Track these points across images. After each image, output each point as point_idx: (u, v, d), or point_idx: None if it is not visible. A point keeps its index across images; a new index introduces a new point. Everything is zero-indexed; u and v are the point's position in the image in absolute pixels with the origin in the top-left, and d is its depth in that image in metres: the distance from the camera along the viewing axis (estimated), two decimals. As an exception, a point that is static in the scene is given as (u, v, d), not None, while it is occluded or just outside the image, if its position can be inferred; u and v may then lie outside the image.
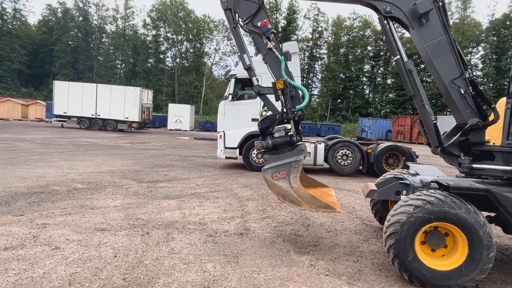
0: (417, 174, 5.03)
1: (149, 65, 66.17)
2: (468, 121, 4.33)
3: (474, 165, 4.30)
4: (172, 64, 67.86)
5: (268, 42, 4.74)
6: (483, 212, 3.80)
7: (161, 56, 68.00)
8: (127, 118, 30.59)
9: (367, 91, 63.23)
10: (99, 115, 30.81)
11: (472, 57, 53.45)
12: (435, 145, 4.56)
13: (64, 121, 31.64)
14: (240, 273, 3.89)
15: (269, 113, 4.89)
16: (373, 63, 61.55)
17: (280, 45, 4.83)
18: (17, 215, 5.61)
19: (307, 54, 62.25)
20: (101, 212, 6.02)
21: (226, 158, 11.98)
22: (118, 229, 5.17)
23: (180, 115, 40.08)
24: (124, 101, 30.50)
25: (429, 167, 5.40)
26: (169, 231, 5.20)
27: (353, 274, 4.00)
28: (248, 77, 5.07)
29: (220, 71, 70.31)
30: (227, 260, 4.23)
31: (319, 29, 62.67)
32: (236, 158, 11.95)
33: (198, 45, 67.50)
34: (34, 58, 64.83)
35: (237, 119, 11.47)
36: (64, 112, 31.10)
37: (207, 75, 63.72)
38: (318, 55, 63.68)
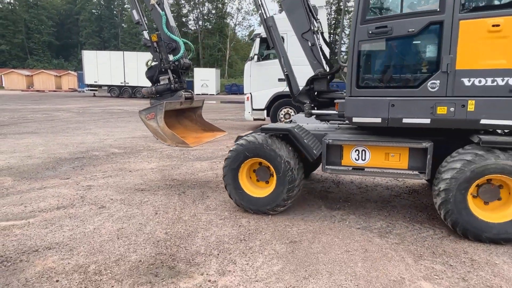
0: (291, 121, 5.48)
1: (172, 29, 65.57)
2: (314, 71, 4.86)
3: (312, 111, 4.88)
4: (195, 27, 66.86)
5: None
6: None
7: (184, 19, 66.96)
8: (155, 84, 31.07)
9: (398, 45, 59.81)
10: (128, 83, 31.45)
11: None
12: (291, 95, 5.15)
13: (96, 90, 32.66)
14: (274, 227, 4.06)
15: (155, 63, 5.59)
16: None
17: None
18: (64, 178, 6.05)
19: (334, 8, 59.06)
20: (139, 174, 6.36)
21: (254, 119, 12.04)
22: (157, 189, 5.47)
23: (206, 79, 40.06)
24: (151, 68, 30.83)
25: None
26: (204, 190, 5.44)
27: (384, 227, 4.08)
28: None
29: (244, 31, 68.64)
30: (260, 215, 4.41)
31: (347, -21, 58.74)
32: (264, 119, 11.98)
33: (220, 6, 65.68)
34: (61, 29, 66.12)
35: (264, 79, 11.34)
36: (95, 81, 32.01)
37: (231, 37, 62.45)
38: (346, 9, 60.23)
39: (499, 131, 3.86)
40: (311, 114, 4.90)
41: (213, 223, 4.17)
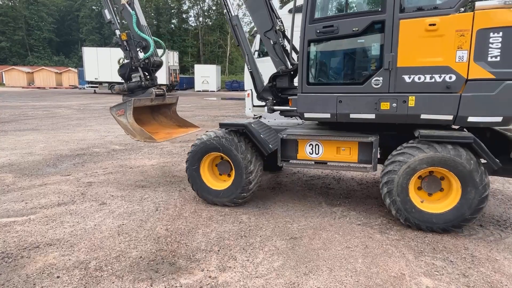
0: (261, 117, 5.77)
1: (172, 26, 65.40)
2: (277, 69, 4.94)
3: (274, 107, 4.98)
4: (195, 24, 66.69)
5: None
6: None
7: (184, 16, 66.80)
8: (156, 81, 30.94)
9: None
10: (128, 80, 31.34)
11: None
12: (255, 92, 5.29)
13: (96, 87, 32.55)
14: (274, 223, 4.06)
15: (127, 61, 5.82)
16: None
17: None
18: (65, 175, 6.05)
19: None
20: (139, 171, 6.36)
21: (255, 116, 12.00)
22: (157, 186, 5.47)
23: (206, 76, 39.95)
24: (151, 64, 30.68)
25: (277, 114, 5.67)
26: (204, 187, 5.44)
27: (385, 224, 4.07)
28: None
29: (245, 27, 67.66)
30: (261, 212, 4.41)
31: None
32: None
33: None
34: (61, 26, 65.90)
35: (264, 76, 11.30)
36: (95, 78, 31.91)
37: (231, 33, 62.28)
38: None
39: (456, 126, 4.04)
40: (273, 110, 5.06)
41: (214, 219, 4.17)
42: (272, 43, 4.96)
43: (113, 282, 2.86)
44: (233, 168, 4.43)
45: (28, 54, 60.11)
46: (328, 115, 4.16)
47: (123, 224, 4.00)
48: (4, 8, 57.94)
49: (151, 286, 2.82)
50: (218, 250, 3.41)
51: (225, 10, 5.34)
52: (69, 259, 3.21)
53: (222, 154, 4.45)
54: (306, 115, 4.32)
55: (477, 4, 3.52)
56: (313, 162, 4.43)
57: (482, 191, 3.56)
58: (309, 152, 4.36)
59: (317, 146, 4.32)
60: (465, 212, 3.62)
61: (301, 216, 4.28)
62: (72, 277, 2.93)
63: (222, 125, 4.56)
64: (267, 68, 12.23)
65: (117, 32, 5.73)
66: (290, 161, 4.48)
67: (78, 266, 3.10)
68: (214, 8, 65.83)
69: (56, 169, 6.45)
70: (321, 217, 4.25)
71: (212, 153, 4.51)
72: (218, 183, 4.64)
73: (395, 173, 3.77)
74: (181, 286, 2.82)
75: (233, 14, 5.30)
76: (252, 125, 4.39)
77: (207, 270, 3.05)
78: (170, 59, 31.81)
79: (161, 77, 30.56)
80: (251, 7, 5.04)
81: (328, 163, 4.34)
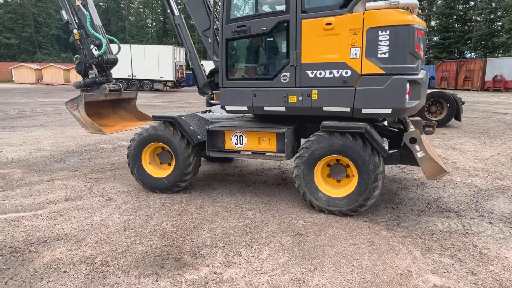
0: (210, 111, 5.98)
1: (179, 22, 65.38)
2: (214, 65, 5.05)
3: (211, 101, 5.19)
4: (201, 20, 66.56)
5: (77, 0, 6.04)
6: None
7: (189, 11, 66.78)
8: (162, 77, 30.98)
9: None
10: (135, 76, 31.44)
11: None
12: (197, 87, 5.52)
13: (103, 83, 32.70)
14: (280, 219, 4.05)
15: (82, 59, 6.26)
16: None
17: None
18: (72, 170, 6.11)
19: None
20: (146, 167, 6.38)
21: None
22: (163, 182, 5.48)
23: (212, 72, 39.86)
24: (158, 61, 30.71)
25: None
26: (210, 183, 5.45)
27: (392, 220, 4.03)
28: None
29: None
30: (267, 208, 4.40)
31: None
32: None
33: (227, -3, 65.19)
34: (69, 23, 66.26)
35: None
36: (102, 75, 32.06)
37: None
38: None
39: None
40: (211, 104, 5.30)
41: (219, 215, 4.18)
42: (210, 41, 5.17)
43: (119, 277, 2.88)
44: (172, 157, 4.76)
45: (36, 51, 60.68)
46: (245, 108, 4.50)
47: (129, 220, 4.02)
48: (12, 6, 58.46)
49: (157, 281, 2.83)
50: (224, 246, 3.41)
51: (168, 10, 5.63)
52: (76, 254, 3.24)
53: (160, 144, 4.78)
54: (227, 108, 4.66)
55: (367, 4, 3.74)
56: (239, 152, 4.67)
57: (375, 178, 3.84)
58: (235, 143, 4.61)
59: (241, 137, 4.57)
60: (360, 197, 3.92)
61: (306, 212, 4.26)
62: (78, 272, 2.95)
63: (155, 118, 4.86)
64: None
65: (74, 31, 6.13)
66: (218, 150, 4.72)
67: (84, 261, 3.12)
68: (219, 3, 65.63)
69: (64, 164, 6.51)
70: (327, 214, 4.22)
71: (152, 144, 4.82)
72: (159, 171, 4.94)
73: (302, 159, 4.09)
74: (186, 281, 2.83)
75: (176, 14, 5.56)
76: (182, 117, 4.67)
77: (212, 266, 3.05)
78: (177, 55, 31.73)
79: (168, 73, 30.68)
80: (190, 6, 5.32)
81: (252, 153, 4.62)
